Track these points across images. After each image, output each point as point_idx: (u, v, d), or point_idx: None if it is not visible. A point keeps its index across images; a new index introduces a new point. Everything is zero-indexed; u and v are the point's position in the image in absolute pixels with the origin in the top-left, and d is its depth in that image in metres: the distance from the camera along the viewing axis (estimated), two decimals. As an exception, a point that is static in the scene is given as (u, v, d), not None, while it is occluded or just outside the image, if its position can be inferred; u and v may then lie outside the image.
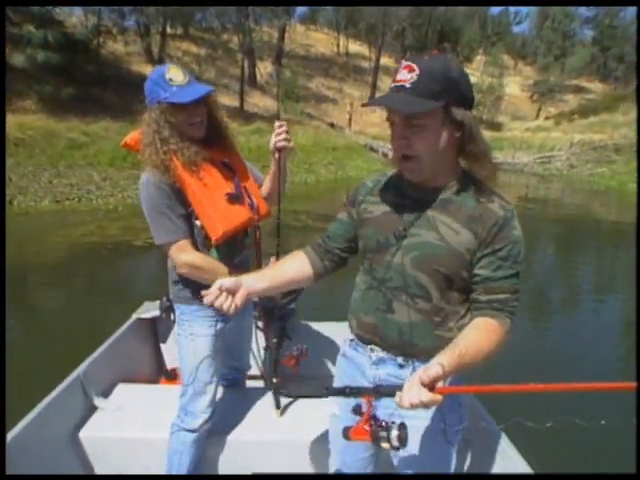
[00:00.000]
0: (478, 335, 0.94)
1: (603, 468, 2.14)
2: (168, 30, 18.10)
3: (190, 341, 1.51)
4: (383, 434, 0.93)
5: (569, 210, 11.70)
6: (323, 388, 1.02)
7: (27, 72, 11.68)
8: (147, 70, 17.46)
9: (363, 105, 1.06)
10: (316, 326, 2.42)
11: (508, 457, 1.47)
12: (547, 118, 28.93)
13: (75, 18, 16.08)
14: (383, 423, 0.95)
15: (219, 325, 1.52)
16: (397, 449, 0.94)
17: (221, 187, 1.41)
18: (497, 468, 1.51)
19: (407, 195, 1.05)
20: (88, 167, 10.72)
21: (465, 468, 1.58)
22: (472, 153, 0.98)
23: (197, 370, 1.50)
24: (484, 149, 0.98)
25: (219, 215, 1.37)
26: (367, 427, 0.95)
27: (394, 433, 0.92)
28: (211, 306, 1.04)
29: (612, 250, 7.91)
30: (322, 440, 1.35)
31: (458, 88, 0.93)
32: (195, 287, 1.46)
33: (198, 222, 1.40)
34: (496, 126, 28.44)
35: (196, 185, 1.36)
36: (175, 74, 1.35)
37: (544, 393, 0.80)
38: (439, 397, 0.83)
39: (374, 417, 0.97)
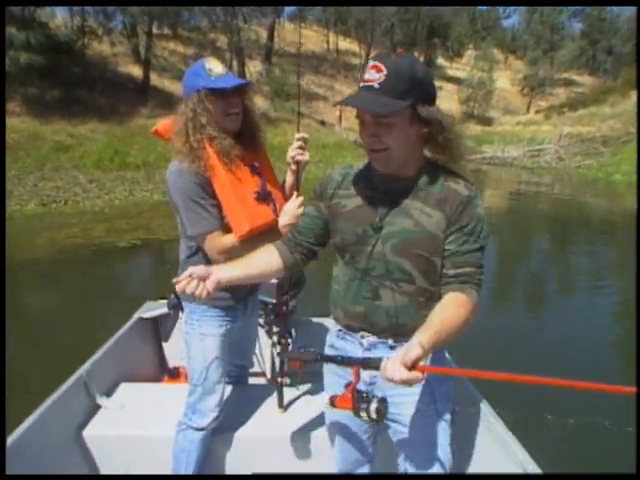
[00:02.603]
0: (450, 311, 0.99)
1: (599, 462, 2.15)
2: (154, 30, 17.96)
3: (199, 341, 1.50)
4: (363, 405, 0.97)
5: (560, 202, 11.80)
6: (319, 355, 1.08)
7: (10, 74, 11.56)
8: (134, 71, 17.39)
9: (335, 105, 1.12)
10: (323, 322, 2.41)
11: (506, 443, 1.46)
12: (537, 112, 29.05)
13: (59, 19, 15.95)
14: (365, 395, 0.99)
15: (229, 325, 1.51)
16: (375, 422, 0.98)
17: (250, 184, 1.41)
18: (494, 454, 1.50)
19: (378, 187, 1.09)
20: (74, 169, 10.67)
21: (460, 453, 1.55)
22: (442, 144, 1.04)
23: (207, 370, 1.49)
24: (454, 139, 1.05)
25: (246, 211, 1.36)
26: (350, 397, 0.99)
27: (373, 406, 0.96)
28: (183, 292, 1.08)
29: (603, 240, 7.99)
30: (326, 436, 1.36)
31: (423, 87, 0.98)
32: None
33: (225, 217, 1.39)
34: (487, 120, 28.53)
35: (227, 178, 1.34)
36: (215, 65, 1.37)
37: (537, 385, 0.78)
38: (420, 375, 0.87)
39: (358, 389, 1.00)
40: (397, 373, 0.86)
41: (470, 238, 1.03)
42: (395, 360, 0.88)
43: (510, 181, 15.27)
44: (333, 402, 1.03)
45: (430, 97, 1.00)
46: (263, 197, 1.42)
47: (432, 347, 0.91)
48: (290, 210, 1.43)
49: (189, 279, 1.06)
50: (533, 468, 1.32)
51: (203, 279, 1.06)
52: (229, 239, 1.37)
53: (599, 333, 4.14)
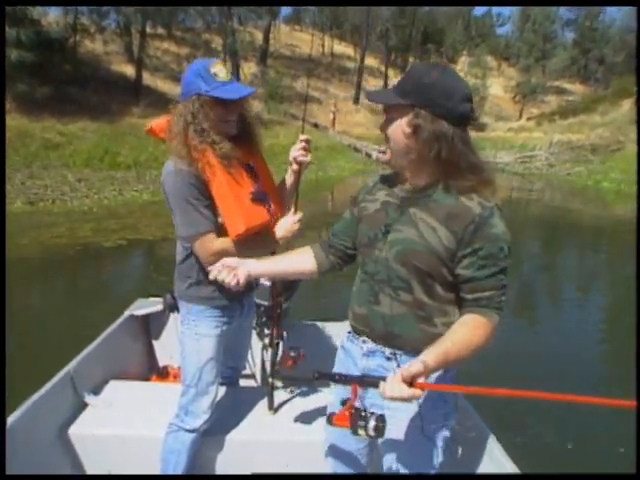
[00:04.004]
0: (465, 332, 0.97)
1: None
2: (148, 30, 17.89)
3: (195, 341, 1.49)
4: (361, 423, 0.97)
5: (551, 208, 11.94)
6: (314, 373, 1.07)
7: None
8: (127, 70, 17.29)
9: (369, 100, 1.16)
10: (315, 325, 2.41)
11: (496, 458, 1.46)
12: (529, 119, 29.28)
13: (52, 16, 15.82)
14: (363, 413, 0.99)
15: (224, 326, 1.51)
16: (374, 438, 0.99)
17: (246, 185, 1.41)
18: (484, 468, 1.50)
19: (396, 194, 1.11)
20: (63, 168, 10.56)
21: (453, 467, 1.56)
22: (431, 157, 0.99)
23: (202, 371, 1.49)
24: (449, 157, 0.99)
25: (242, 212, 1.36)
26: (348, 414, 0.99)
27: (371, 423, 0.96)
28: (215, 281, 1.15)
29: (593, 247, 8.05)
30: (318, 438, 1.36)
31: (428, 94, 0.97)
32: (203, 287, 1.45)
33: (219, 219, 1.38)
34: (480, 126, 28.70)
35: (224, 178, 1.34)
36: (220, 69, 1.34)
37: (536, 401, 0.78)
38: (419, 392, 0.86)
39: (356, 406, 1.00)
40: (396, 390, 0.86)
41: (488, 262, 0.99)
42: (394, 378, 0.88)
43: (502, 187, 15.40)
44: (331, 420, 1.03)
45: (438, 107, 0.97)
46: (259, 198, 1.42)
47: (437, 366, 0.90)
48: (287, 224, 1.45)
49: (221, 268, 1.15)
50: None
51: (234, 269, 1.15)
52: (221, 242, 1.37)
53: (592, 341, 4.15)
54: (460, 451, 1.58)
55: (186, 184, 1.33)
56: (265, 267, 1.20)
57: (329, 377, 1.08)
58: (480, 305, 1.00)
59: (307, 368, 1.53)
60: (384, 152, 1.09)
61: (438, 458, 1.14)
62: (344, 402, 1.03)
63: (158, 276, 4.62)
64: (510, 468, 1.39)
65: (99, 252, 6.04)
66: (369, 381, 0.98)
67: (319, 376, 1.07)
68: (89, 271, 5.64)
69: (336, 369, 1.26)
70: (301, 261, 1.24)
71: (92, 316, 3.80)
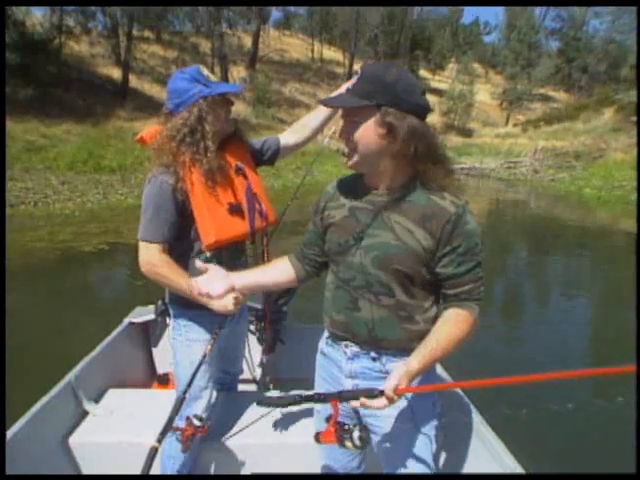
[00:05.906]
0: (448, 328, 1.02)
1: (596, 467, 2.13)
2: (135, 32, 17.79)
3: (186, 346, 1.50)
4: (347, 436, 1.01)
5: (536, 213, 12.13)
6: (297, 396, 1.13)
7: (-17, 72, 11.27)
8: (113, 72, 17.15)
9: (319, 102, 1.17)
10: (311, 328, 2.42)
11: (495, 452, 1.47)
12: (515, 125, 29.80)
13: (35, 18, 15.61)
14: (346, 426, 1.03)
15: (216, 330, 1.50)
16: (360, 449, 1.03)
17: (225, 197, 1.43)
18: (483, 461, 1.52)
19: (363, 198, 1.10)
20: (46, 171, 10.42)
21: (451, 461, 1.58)
22: (410, 154, 1.00)
23: (194, 376, 1.48)
24: (426, 151, 1.01)
25: (216, 224, 1.39)
26: (333, 430, 1.03)
27: (356, 434, 1.01)
28: (197, 290, 1.15)
29: (577, 250, 8.18)
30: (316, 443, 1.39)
31: (392, 91, 0.97)
32: None
33: (192, 232, 1.41)
34: (467, 132, 29.12)
35: (201, 194, 1.37)
36: (209, 73, 1.40)
37: (531, 384, 0.79)
38: (396, 397, 0.95)
39: (339, 421, 1.04)
40: (375, 404, 0.95)
41: (465, 258, 1.02)
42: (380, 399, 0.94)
43: (488, 192, 15.60)
44: (318, 439, 1.06)
45: (403, 103, 0.98)
46: (236, 210, 1.45)
47: (424, 367, 0.98)
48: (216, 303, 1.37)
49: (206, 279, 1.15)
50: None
51: (218, 280, 1.16)
52: (161, 260, 1.37)
53: (582, 342, 4.25)
54: (459, 446, 1.60)
55: (162, 193, 1.34)
56: (250, 279, 1.22)
57: (310, 399, 1.10)
58: (461, 299, 1.04)
59: (303, 369, 1.55)
60: (348, 157, 1.05)
61: (433, 447, 1.17)
62: (328, 418, 1.06)
63: (141, 281, 4.58)
64: (510, 462, 1.39)
65: (80, 256, 5.96)
66: (347, 396, 1.01)
67: (300, 398, 1.12)
68: (70, 276, 5.55)
69: (318, 375, 1.28)
70: (281, 273, 1.26)
71: (74, 321, 3.76)
